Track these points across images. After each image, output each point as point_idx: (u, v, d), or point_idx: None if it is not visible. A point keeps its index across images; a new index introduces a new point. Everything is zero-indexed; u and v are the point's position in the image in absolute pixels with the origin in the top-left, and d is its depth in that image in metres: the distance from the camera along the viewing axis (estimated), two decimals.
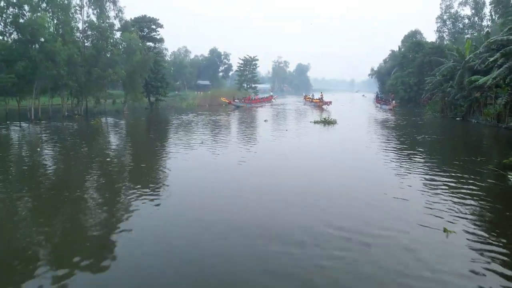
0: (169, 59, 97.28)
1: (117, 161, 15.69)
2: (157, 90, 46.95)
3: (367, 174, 12.96)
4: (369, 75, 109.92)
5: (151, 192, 10.47)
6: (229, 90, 72.98)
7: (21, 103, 31.33)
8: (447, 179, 11.90)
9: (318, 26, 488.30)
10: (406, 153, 16.71)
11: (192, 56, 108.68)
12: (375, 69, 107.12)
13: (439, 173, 12.79)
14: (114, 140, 23.01)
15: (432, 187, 11.02)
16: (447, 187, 10.97)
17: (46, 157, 16.46)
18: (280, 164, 14.75)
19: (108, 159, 15.77)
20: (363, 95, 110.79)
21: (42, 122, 29.79)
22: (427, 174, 12.69)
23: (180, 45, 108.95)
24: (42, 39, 28.86)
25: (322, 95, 57.59)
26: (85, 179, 12.23)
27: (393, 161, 14.95)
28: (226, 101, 53.40)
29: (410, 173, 12.80)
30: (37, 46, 28.71)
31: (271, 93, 79.09)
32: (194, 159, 15.69)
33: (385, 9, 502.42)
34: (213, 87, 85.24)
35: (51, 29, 30.42)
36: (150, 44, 47.07)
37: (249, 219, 8.62)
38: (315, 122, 29.98)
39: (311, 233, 7.69)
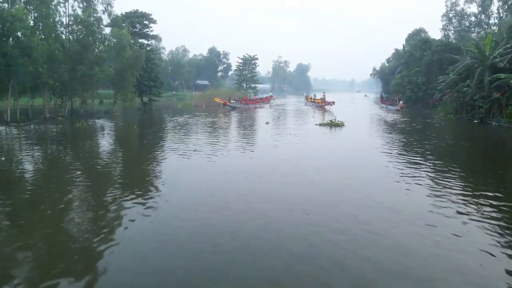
0: (166, 58, 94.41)
1: (102, 169, 13.43)
2: (150, 90, 43.86)
3: (397, 192, 10.00)
4: (371, 75, 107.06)
5: (142, 203, 9.07)
6: (228, 90, 69.89)
7: None
8: (500, 204, 8.92)
9: (315, 24, 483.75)
10: (435, 165, 13.70)
11: (190, 55, 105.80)
12: (377, 68, 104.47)
13: (487, 195, 9.77)
14: (99, 145, 20.02)
15: (485, 215, 8.07)
16: (504, 217, 8.03)
17: (21, 165, 14.26)
18: (291, 176, 11.70)
19: (91, 166, 13.70)
20: (365, 95, 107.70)
21: (21, 124, 26.80)
22: (471, 193, 9.73)
23: (178, 45, 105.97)
24: (19, 33, 25.67)
25: (324, 95, 54.65)
26: (67, 190, 10.45)
27: (424, 173, 11.97)
28: (221, 102, 49.25)
29: (451, 192, 9.79)
30: (12, 40, 25.50)
31: (271, 93, 75.96)
32: (189, 166, 13.62)
33: (383, 8, 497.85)
34: (212, 87, 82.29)
35: (30, 23, 27.21)
36: (143, 41, 44.00)
37: (261, 247, 6.82)
38: (321, 125, 27.08)
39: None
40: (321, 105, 52.98)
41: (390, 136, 23.11)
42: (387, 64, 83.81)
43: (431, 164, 13.89)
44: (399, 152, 16.55)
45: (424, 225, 7.72)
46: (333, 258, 6.28)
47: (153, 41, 46.74)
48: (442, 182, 11.14)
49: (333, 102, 51.74)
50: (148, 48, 44.56)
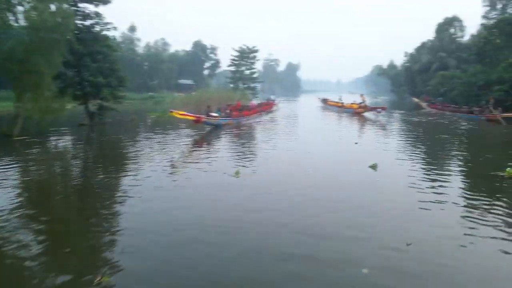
0: (142, 52, 74.37)
1: None
2: (99, 91, 24.16)
3: None
4: (378, 74, 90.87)
5: None
6: (221, 91, 50.18)
7: None
8: None
9: (299, 20, 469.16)
10: None
11: (172, 50, 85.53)
12: (385, 66, 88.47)
13: None
14: None
15: None
16: None
17: None
18: None
19: None
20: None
21: None
22: None
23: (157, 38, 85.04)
24: None
25: (364, 98, 36.46)
26: None
27: None
28: (189, 117, 20.43)
29: None
30: None
31: (273, 97, 55.59)
32: None
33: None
34: (197, 87, 62.87)
35: None
36: (87, 5, 24.07)
37: None
38: (494, 176, 9.45)
39: None
40: (358, 111, 35.06)
41: None
42: (411, 60, 65.61)
43: None
44: None
45: None
46: None
47: (103, 7, 26.53)
48: None
49: (384, 108, 34.19)
50: (94, 21, 24.63)
